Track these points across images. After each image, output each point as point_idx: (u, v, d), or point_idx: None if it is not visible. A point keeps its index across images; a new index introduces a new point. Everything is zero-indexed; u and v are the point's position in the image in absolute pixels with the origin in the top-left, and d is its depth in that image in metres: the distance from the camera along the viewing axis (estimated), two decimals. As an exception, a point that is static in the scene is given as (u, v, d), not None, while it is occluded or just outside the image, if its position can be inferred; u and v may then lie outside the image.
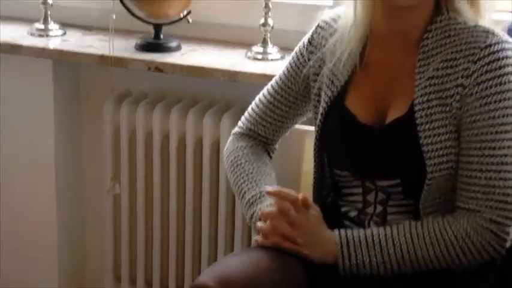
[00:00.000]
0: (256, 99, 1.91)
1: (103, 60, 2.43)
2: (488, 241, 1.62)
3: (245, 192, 1.78)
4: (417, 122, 1.65)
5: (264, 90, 1.90)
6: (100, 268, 2.71)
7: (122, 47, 2.47)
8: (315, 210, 1.69)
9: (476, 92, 1.61)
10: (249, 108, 1.92)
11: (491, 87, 1.60)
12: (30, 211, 2.72)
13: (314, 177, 1.85)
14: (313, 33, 1.83)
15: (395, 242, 1.64)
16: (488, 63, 1.61)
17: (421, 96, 1.65)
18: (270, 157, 1.92)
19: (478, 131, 1.61)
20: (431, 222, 1.65)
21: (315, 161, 1.83)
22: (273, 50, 2.39)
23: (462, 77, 1.63)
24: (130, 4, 2.46)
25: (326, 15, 1.82)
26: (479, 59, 1.61)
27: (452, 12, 1.67)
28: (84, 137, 2.71)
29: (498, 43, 1.62)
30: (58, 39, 2.57)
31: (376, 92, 1.72)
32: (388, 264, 1.64)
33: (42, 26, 2.59)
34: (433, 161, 1.63)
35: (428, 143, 1.64)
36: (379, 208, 1.74)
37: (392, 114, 1.69)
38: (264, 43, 2.39)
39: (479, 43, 1.62)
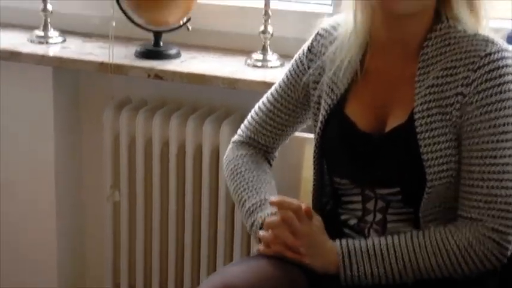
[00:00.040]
0: (256, 107, 1.91)
1: (103, 67, 2.43)
2: (491, 250, 1.62)
3: (245, 201, 1.78)
4: (417, 130, 1.64)
5: (264, 98, 1.90)
6: (100, 275, 2.70)
7: (122, 54, 2.47)
8: (317, 220, 1.69)
9: (477, 101, 1.61)
10: (249, 116, 1.92)
11: (491, 95, 1.60)
12: (30, 218, 2.71)
13: (313, 185, 1.84)
14: (312, 41, 1.83)
15: (397, 252, 1.64)
16: (488, 72, 1.61)
17: (421, 104, 1.65)
18: (270, 165, 1.92)
19: (479, 140, 1.61)
20: (432, 232, 1.65)
21: (314, 168, 1.82)
22: (272, 58, 2.39)
23: (462, 85, 1.63)
24: (130, 11, 2.46)
25: (325, 23, 1.82)
26: (479, 68, 1.61)
27: (452, 20, 1.67)
28: (84, 144, 2.71)
29: (498, 52, 1.62)
30: (58, 47, 2.58)
31: (376, 100, 1.72)
32: (389, 274, 1.64)
33: (42, 33, 2.59)
34: (433, 169, 1.63)
35: (428, 151, 1.64)
36: (379, 216, 1.74)
37: (392, 122, 1.69)
38: (264, 50, 2.40)
39: (479, 51, 1.62)
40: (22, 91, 2.63)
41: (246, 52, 2.44)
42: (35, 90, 2.61)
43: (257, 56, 2.40)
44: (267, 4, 2.37)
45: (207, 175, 2.42)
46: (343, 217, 1.79)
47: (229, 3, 2.58)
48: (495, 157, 1.60)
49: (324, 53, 1.79)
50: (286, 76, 1.87)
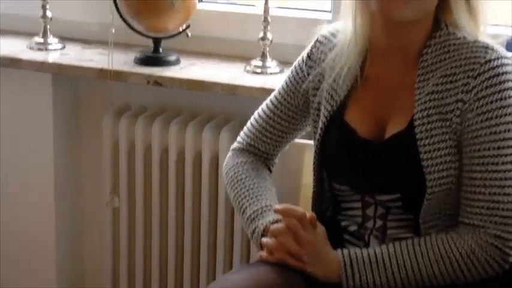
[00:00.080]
0: (255, 114, 1.91)
1: (102, 74, 2.43)
2: (493, 257, 1.62)
3: (246, 208, 1.78)
4: (417, 137, 1.65)
5: (263, 106, 1.90)
6: (99, 281, 2.70)
7: (121, 61, 2.47)
8: (320, 229, 1.69)
9: (477, 108, 1.62)
10: (248, 124, 1.92)
11: (491, 102, 1.61)
12: (29, 224, 2.71)
13: (313, 191, 1.84)
14: (312, 48, 1.83)
15: (399, 261, 1.64)
16: (488, 79, 1.61)
17: (420, 111, 1.65)
18: (270, 171, 1.92)
19: (480, 147, 1.62)
20: (434, 239, 1.65)
21: (314, 175, 1.82)
22: (271, 64, 2.40)
23: (462, 92, 1.63)
24: (129, 18, 2.46)
25: (325, 30, 1.82)
26: (479, 75, 1.62)
27: (452, 27, 1.67)
28: (83, 151, 2.71)
29: (498, 58, 1.62)
30: (57, 53, 2.58)
31: (376, 107, 1.72)
32: (392, 283, 1.64)
33: (41, 40, 2.60)
34: (433, 176, 1.64)
35: (428, 157, 1.64)
36: (379, 222, 1.74)
37: (392, 129, 1.69)
38: (263, 57, 2.40)
39: (479, 58, 1.62)
40: (22, 97, 2.63)
41: (246, 59, 2.44)
42: (34, 96, 2.61)
43: (256, 62, 2.40)
44: (266, 11, 2.37)
45: (207, 181, 2.42)
46: (343, 223, 1.79)
47: (228, 9, 2.59)
48: (497, 164, 1.61)
49: (323, 60, 1.79)
50: (286, 83, 1.87)
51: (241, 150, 1.91)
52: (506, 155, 1.61)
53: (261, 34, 2.38)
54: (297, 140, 1.96)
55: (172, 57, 2.47)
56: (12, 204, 2.71)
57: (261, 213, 1.75)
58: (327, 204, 1.84)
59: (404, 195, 1.68)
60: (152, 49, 2.49)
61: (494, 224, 1.61)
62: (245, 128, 1.93)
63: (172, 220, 2.49)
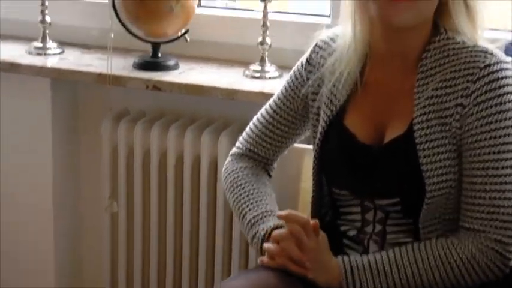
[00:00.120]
0: (255, 119, 1.91)
1: (101, 78, 2.43)
2: (494, 261, 1.62)
3: (246, 213, 1.77)
4: (416, 141, 1.65)
5: (262, 111, 1.90)
6: (98, 286, 2.70)
7: (120, 66, 2.47)
8: (322, 236, 1.68)
9: (477, 112, 1.62)
10: (247, 129, 1.92)
11: (491, 107, 1.61)
12: (28, 228, 2.71)
13: (312, 196, 1.84)
14: (311, 53, 1.83)
15: (399, 267, 1.64)
16: (487, 83, 1.61)
17: (420, 115, 1.66)
18: (270, 176, 1.92)
19: (480, 151, 1.62)
20: (435, 245, 1.65)
21: (313, 179, 1.83)
22: (270, 69, 2.40)
23: (461, 96, 1.63)
24: (128, 23, 2.46)
25: (324, 34, 1.82)
26: (478, 79, 1.62)
27: (451, 32, 1.68)
28: (82, 155, 2.71)
29: (497, 63, 1.62)
30: (56, 58, 2.58)
31: (375, 112, 1.72)
32: (392, 289, 1.65)
33: (40, 45, 2.60)
34: (432, 180, 1.64)
35: (428, 162, 1.64)
36: (378, 227, 1.74)
37: (391, 134, 1.69)
38: (262, 61, 2.40)
39: (478, 63, 1.63)
40: (21, 102, 2.63)
41: (244, 63, 2.44)
42: (33, 101, 2.61)
43: (255, 67, 2.40)
44: (265, 15, 2.37)
45: (205, 186, 2.42)
46: (342, 228, 1.79)
47: (227, 14, 2.59)
48: (497, 168, 1.61)
49: (322, 65, 1.79)
50: (285, 88, 1.87)
51: (240, 156, 1.91)
52: (506, 159, 1.61)
53: (260, 39, 2.39)
54: (296, 145, 1.97)
55: (171, 62, 2.47)
56: (12, 208, 2.71)
57: (261, 219, 1.75)
58: (326, 209, 1.84)
59: (404, 200, 1.69)
60: (151, 54, 2.49)
61: (494, 228, 1.61)
62: (244, 133, 1.93)
63: (171, 225, 2.49)
